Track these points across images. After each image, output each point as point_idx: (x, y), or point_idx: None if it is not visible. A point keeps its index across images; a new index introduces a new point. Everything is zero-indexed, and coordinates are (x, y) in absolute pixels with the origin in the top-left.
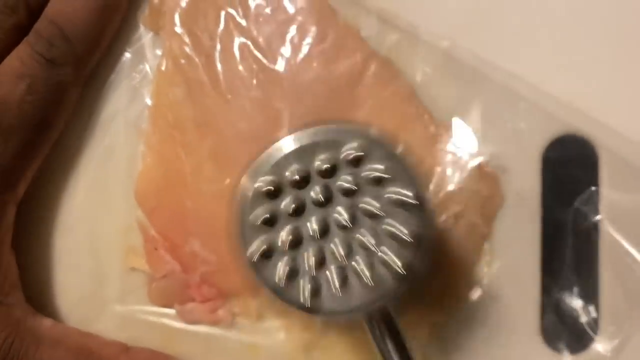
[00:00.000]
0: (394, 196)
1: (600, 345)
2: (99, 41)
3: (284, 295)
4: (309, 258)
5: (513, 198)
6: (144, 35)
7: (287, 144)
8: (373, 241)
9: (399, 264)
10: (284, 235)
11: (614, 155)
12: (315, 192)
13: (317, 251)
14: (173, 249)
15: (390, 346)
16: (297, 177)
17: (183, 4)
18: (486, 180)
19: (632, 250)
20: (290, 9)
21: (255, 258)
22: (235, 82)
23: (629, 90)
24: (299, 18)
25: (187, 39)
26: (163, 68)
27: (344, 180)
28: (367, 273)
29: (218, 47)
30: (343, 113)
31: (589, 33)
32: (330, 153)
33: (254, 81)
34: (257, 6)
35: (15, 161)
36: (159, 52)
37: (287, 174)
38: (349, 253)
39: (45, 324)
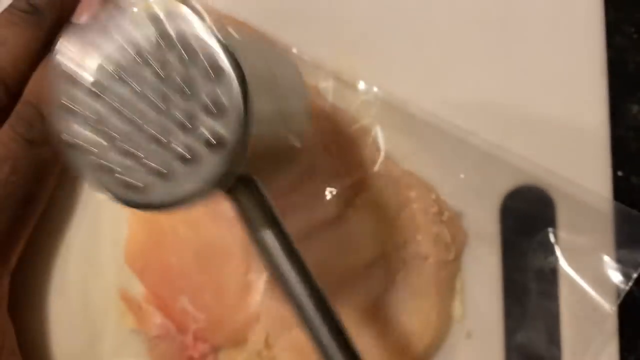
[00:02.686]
0: (198, 65)
1: None
2: None
3: (104, 186)
4: (121, 140)
5: (474, 242)
6: None
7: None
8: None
9: (218, 135)
10: (89, 114)
11: (569, 201)
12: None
13: (131, 134)
14: (165, 307)
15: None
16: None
17: None
18: (447, 224)
19: (589, 289)
20: None
21: (64, 139)
22: None
23: (580, 140)
24: None
25: None
26: None
27: (150, 54)
28: (183, 153)
29: None
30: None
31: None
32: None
33: None
34: None
35: (4, 236)
36: None
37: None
38: (166, 134)
39: None
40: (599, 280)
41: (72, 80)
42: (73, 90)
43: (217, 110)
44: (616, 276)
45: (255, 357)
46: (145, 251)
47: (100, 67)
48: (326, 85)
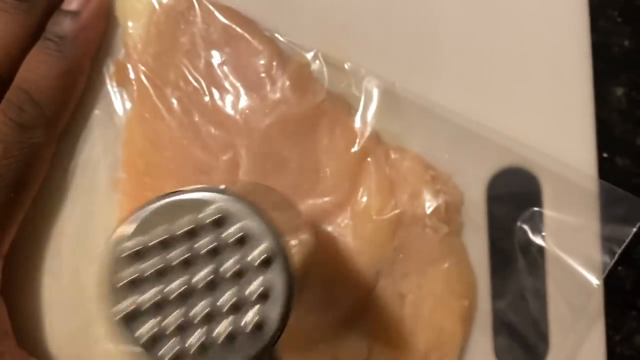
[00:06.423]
0: (252, 256)
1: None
2: (66, 102)
3: (149, 356)
4: (171, 320)
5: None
6: (111, 90)
7: (154, 203)
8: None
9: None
10: (148, 297)
11: (555, 181)
12: (178, 254)
13: (180, 313)
14: None
15: None
16: (160, 238)
17: (147, 59)
18: (442, 188)
19: (575, 266)
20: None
21: (119, 318)
22: (193, 131)
23: (566, 122)
24: (254, 68)
25: (152, 92)
26: (130, 119)
27: (205, 243)
28: (225, 335)
29: (179, 98)
30: (302, 153)
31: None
32: (193, 215)
33: (212, 129)
34: (206, 60)
35: None
36: (126, 104)
37: (151, 234)
38: (212, 316)
39: None
40: (585, 258)
41: (131, 261)
42: (131, 271)
43: (262, 296)
44: (601, 253)
45: None
46: None
47: (159, 250)
48: (317, 68)
